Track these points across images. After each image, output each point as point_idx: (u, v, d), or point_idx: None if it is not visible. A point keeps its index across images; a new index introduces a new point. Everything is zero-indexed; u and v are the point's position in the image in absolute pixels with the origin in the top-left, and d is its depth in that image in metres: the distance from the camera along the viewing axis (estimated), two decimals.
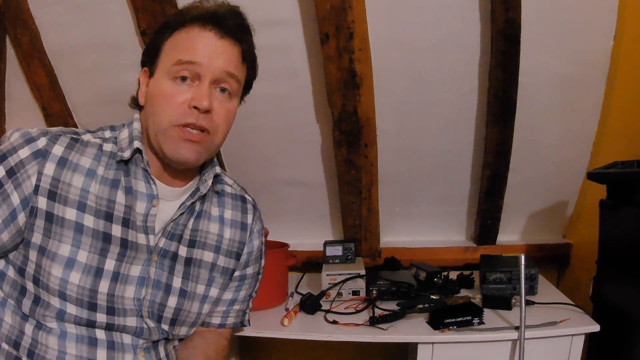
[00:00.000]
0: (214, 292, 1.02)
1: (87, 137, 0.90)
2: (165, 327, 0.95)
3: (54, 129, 0.88)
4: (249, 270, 1.08)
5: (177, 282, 0.95)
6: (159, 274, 0.93)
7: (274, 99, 1.76)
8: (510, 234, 2.01)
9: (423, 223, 2.03)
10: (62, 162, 0.85)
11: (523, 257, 1.30)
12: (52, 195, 0.84)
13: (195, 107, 0.86)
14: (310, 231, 2.06)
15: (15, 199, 0.83)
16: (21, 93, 1.92)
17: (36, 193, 0.84)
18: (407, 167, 1.87)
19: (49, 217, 0.84)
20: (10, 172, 0.83)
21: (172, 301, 0.95)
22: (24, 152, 0.83)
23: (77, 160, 0.87)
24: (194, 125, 0.87)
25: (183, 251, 0.96)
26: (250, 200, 1.11)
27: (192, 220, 0.98)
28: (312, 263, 1.94)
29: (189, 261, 0.97)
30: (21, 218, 0.84)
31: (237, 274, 1.06)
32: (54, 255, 0.84)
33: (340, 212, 1.96)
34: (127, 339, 0.91)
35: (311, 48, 1.62)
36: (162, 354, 0.98)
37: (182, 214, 0.95)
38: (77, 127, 1.94)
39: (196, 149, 0.88)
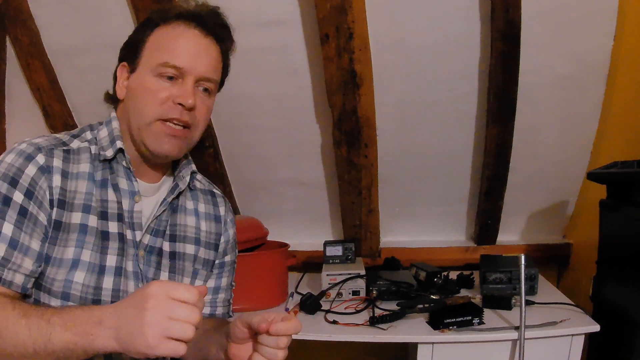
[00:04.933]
0: (199, 284, 1.05)
1: (75, 144, 0.91)
2: None
3: (43, 143, 0.87)
4: (227, 258, 1.12)
5: (164, 277, 0.98)
6: (146, 269, 0.95)
7: (274, 99, 1.76)
8: (510, 234, 2.01)
9: (423, 223, 2.03)
10: (65, 174, 0.87)
11: (523, 257, 1.30)
12: (61, 204, 0.86)
13: (180, 104, 0.89)
14: (310, 231, 2.06)
15: (43, 219, 0.84)
16: (21, 93, 1.92)
17: (52, 207, 0.85)
18: (407, 167, 1.87)
19: (58, 225, 0.85)
20: (29, 194, 0.82)
21: None
22: (31, 170, 0.83)
23: (76, 170, 0.89)
24: (177, 120, 0.90)
25: (167, 246, 0.99)
26: (219, 194, 1.14)
27: (170, 216, 1.00)
28: (312, 263, 1.95)
29: (173, 255, 1.00)
30: (51, 235, 0.85)
31: (216, 262, 1.10)
32: (60, 261, 0.85)
33: (340, 212, 1.96)
34: None
35: (311, 48, 1.62)
36: None
37: (164, 210, 0.97)
38: (76, 127, 1.95)
39: (178, 144, 0.92)
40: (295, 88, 1.72)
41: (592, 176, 1.47)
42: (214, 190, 1.13)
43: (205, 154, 1.89)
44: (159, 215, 0.97)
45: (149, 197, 0.97)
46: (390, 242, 2.05)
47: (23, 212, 0.82)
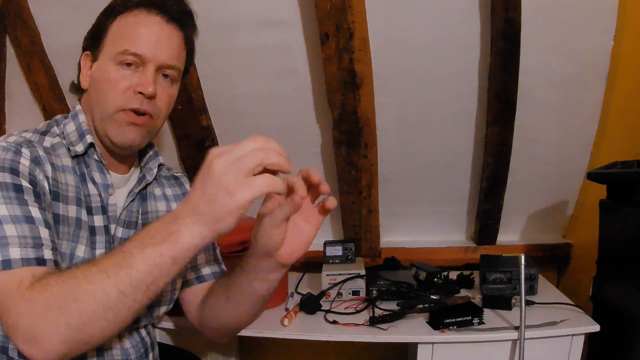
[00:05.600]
0: None
1: (47, 142, 0.90)
2: (145, 311, 0.97)
3: (19, 139, 0.84)
4: None
5: None
6: None
7: (274, 99, 1.76)
8: (510, 234, 2.01)
9: (423, 223, 2.03)
10: (54, 166, 0.86)
11: (523, 257, 1.30)
12: (56, 196, 0.84)
13: (140, 93, 0.88)
14: None
15: (49, 204, 0.82)
16: (21, 93, 1.92)
17: (51, 197, 0.83)
18: (407, 167, 1.87)
19: (57, 218, 0.84)
20: (32, 182, 0.80)
21: None
22: (25, 161, 0.81)
23: (60, 163, 0.87)
24: (138, 110, 0.89)
25: None
26: (181, 175, 1.15)
27: (140, 205, 1.01)
28: (312, 263, 1.94)
29: None
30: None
31: None
32: (63, 255, 0.83)
33: (340, 212, 1.96)
34: None
35: (311, 48, 1.62)
36: (144, 333, 1.01)
37: (132, 200, 0.98)
38: None
39: (140, 132, 0.91)
40: (295, 88, 1.72)
41: (592, 176, 1.47)
42: (175, 174, 1.14)
43: (206, 154, 1.89)
44: (127, 206, 0.96)
45: (120, 188, 0.98)
46: (390, 242, 2.04)
47: (36, 194, 0.79)
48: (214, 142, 1.88)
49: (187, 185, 1.13)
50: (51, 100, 1.89)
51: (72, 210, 0.86)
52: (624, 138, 1.64)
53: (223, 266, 1.12)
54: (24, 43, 1.77)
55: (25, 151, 0.82)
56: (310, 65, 1.66)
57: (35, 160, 0.82)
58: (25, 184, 0.79)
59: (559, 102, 1.69)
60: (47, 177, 0.83)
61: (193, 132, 1.84)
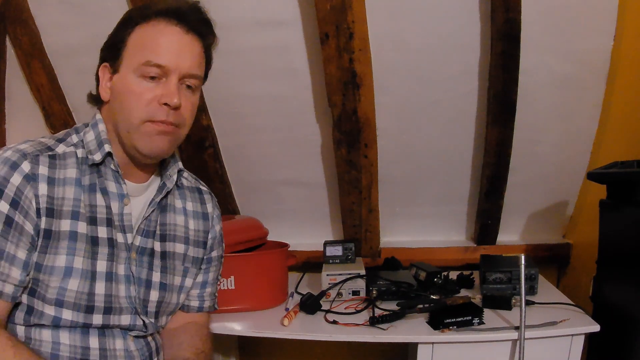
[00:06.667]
0: (188, 282, 1.07)
1: (61, 148, 0.90)
2: (151, 320, 0.99)
3: (28, 149, 0.86)
4: (214, 254, 1.13)
5: (156, 277, 0.99)
6: (139, 271, 0.96)
7: (274, 99, 1.76)
8: (510, 234, 2.01)
9: (423, 223, 2.03)
10: (51, 182, 0.86)
11: (523, 257, 1.30)
12: (50, 213, 0.86)
13: (166, 104, 0.88)
14: (310, 231, 2.06)
15: (29, 228, 0.84)
16: (21, 93, 1.92)
17: (39, 216, 0.85)
18: (407, 167, 1.87)
19: (48, 234, 0.85)
20: (14, 204, 0.82)
21: (154, 295, 0.99)
22: (16, 179, 0.83)
23: (62, 175, 0.88)
24: (164, 121, 0.89)
25: (157, 246, 1.00)
26: (206, 190, 1.14)
27: (159, 215, 1.01)
28: (312, 263, 1.94)
29: (164, 255, 1.01)
30: (38, 245, 0.85)
31: (204, 258, 1.12)
32: (52, 269, 0.85)
33: (340, 212, 1.96)
34: (117, 331, 0.94)
35: (311, 48, 1.62)
36: (149, 339, 1.02)
37: (153, 210, 0.98)
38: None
39: (169, 140, 0.92)
40: (295, 88, 1.72)
41: (592, 176, 1.47)
42: (201, 187, 1.13)
43: (205, 154, 1.89)
44: (148, 216, 0.97)
45: (138, 197, 0.98)
46: (390, 242, 2.05)
47: (9, 222, 0.82)
48: (214, 142, 1.88)
49: (209, 205, 1.12)
50: (51, 101, 1.89)
51: (65, 224, 0.87)
52: (624, 138, 1.64)
53: (214, 302, 1.16)
54: (24, 43, 1.77)
55: (25, 165, 0.84)
56: (310, 65, 1.66)
57: (31, 177, 0.84)
58: (2, 207, 0.82)
59: (559, 102, 1.69)
60: (36, 195, 0.84)
61: (193, 132, 1.83)
